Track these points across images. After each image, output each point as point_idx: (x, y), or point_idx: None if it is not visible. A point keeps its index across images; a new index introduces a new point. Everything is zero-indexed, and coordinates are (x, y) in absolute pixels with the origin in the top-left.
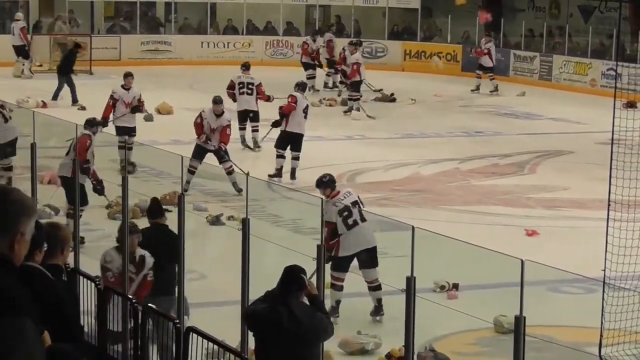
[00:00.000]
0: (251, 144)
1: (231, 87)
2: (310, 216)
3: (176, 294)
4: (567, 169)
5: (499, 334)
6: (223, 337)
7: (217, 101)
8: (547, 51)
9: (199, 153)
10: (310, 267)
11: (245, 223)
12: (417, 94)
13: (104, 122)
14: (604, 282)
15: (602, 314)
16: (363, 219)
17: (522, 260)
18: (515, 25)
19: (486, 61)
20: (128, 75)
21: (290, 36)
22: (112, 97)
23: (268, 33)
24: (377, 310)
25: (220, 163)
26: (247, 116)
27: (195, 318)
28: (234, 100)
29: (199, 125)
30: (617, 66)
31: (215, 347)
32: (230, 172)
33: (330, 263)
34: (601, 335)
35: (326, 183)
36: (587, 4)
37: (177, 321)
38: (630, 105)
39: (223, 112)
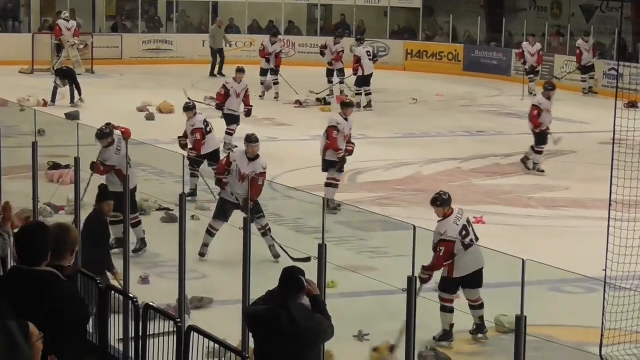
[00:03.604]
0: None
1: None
2: (312, 216)
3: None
4: (569, 168)
5: (500, 333)
6: (224, 337)
7: (252, 139)
8: (548, 51)
9: (224, 210)
10: (312, 267)
11: (246, 222)
12: (419, 93)
13: (219, 106)
14: (605, 282)
15: (603, 314)
16: (477, 238)
17: (523, 260)
18: (517, 24)
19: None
20: (241, 71)
21: (292, 35)
22: (224, 87)
23: (270, 32)
24: (480, 328)
25: (253, 221)
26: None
27: (196, 317)
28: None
29: (221, 167)
30: (619, 66)
31: (217, 346)
32: (265, 233)
33: (439, 284)
34: (602, 335)
35: (446, 201)
36: (589, 3)
37: (179, 320)
38: (632, 105)
39: (258, 155)
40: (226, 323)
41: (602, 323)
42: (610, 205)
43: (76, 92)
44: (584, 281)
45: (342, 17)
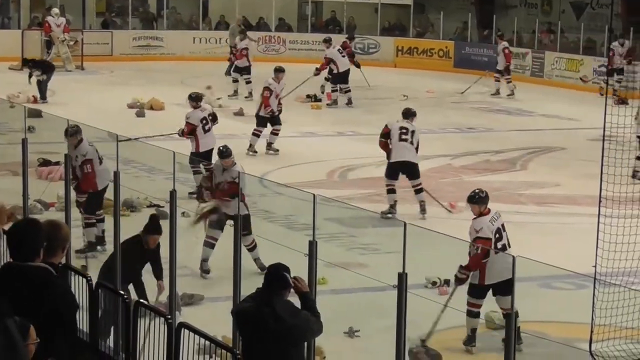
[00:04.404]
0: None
1: None
2: (303, 212)
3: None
4: (559, 165)
5: (490, 329)
6: (215, 333)
7: (223, 154)
8: (539, 48)
9: (219, 219)
10: (302, 264)
11: (237, 219)
12: (409, 90)
13: (271, 112)
14: (594, 278)
15: (593, 310)
16: (509, 245)
17: (513, 257)
18: (507, 21)
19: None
20: (281, 71)
21: (282, 32)
22: (268, 89)
23: (260, 29)
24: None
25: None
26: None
27: (187, 314)
28: None
29: (206, 180)
30: (609, 63)
31: (207, 342)
32: (251, 249)
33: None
34: (592, 331)
35: (482, 199)
36: (579, 0)
37: (169, 317)
38: (622, 101)
39: (234, 163)
40: (217, 320)
41: (592, 319)
42: (600, 201)
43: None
44: (574, 277)
45: (333, 14)
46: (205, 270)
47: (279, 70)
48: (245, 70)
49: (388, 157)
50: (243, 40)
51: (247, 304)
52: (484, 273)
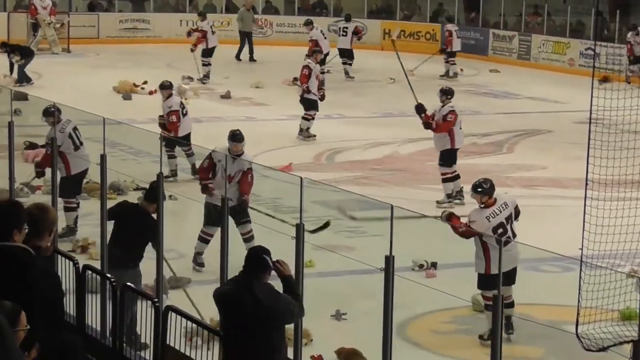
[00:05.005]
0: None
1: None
2: (289, 195)
3: (139, 268)
4: (545, 148)
5: (477, 312)
6: (202, 316)
7: (237, 138)
8: (525, 30)
9: (212, 215)
10: (289, 246)
11: (224, 202)
12: (396, 73)
13: (307, 90)
14: (581, 261)
15: (579, 293)
16: (514, 235)
17: (500, 240)
18: (494, 4)
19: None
20: (319, 52)
21: (269, 15)
22: (307, 67)
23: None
24: (507, 327)
25: (237, 225)
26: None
27: (174, 297)
28: None
29: (202, 171)
30: (595, 46)
31: (194, 325)
32: (248, 239)
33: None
34: (578, 314)
35: (485, 190)
36: None
37: (156, 300)
38: (605, 79)
39: (243, 151)
40: (204, 303)
41: (579, 301)
42: (586, 184)
43: (15, 72)
44: (560, 260)
45: None
46: (199, 264)
47: (317, 52)
48: (207, 53)
49: (452, 143)
50: (204, 20)
51: (227, 286)
52: (489, 264)
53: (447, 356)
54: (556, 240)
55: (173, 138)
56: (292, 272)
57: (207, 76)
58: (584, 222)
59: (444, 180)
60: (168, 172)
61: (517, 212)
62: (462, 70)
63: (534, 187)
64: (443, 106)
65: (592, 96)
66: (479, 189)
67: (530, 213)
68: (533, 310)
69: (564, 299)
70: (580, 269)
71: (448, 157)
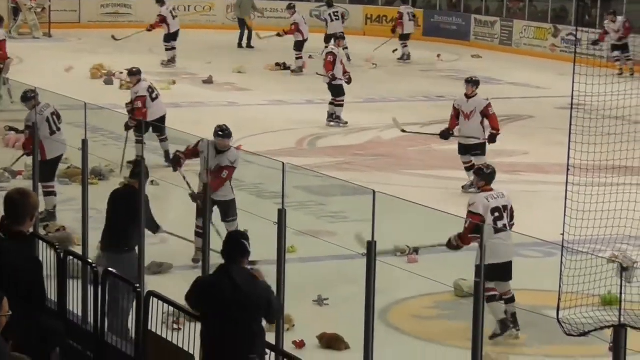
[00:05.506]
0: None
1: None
2: (272, 181)
3: (135, 251)
4: (527, 133)
5: (459, 297)
6: (184, 302)
7: (225, 134)
8: (507, 16)
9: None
10: (271, 232)
11: (206, 188)
12: (378, 59)
13: (333, 77)
14: (562, 246)
15: (561, 278)
16: (510, 227)
17: (482, 225)
18: None
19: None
20: (342, 38)
21: None
22: (332, 54)
23: None
24: (514, 324)
25: (224, 222)
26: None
27: (155, 282)
28: None
29: (187, 150)
30: (577, 31)
31: (176, 311)
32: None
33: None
34: (559, 299)
35: (485, 175)
36: None
37: (137, 285)
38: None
39: (230, 147)
40: (186, 288)
41: (560, 287)
42: (568, 169)
43: None
44: (541, 245)
45: None
46: (195, 260)
47: (340, 37)
48: (170, 37)
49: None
50: (162, 6)
51: (207, 275)
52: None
53: (429, 341)
54: (538, 226)
55: (144, 122)
56: (274, 258)
57: (171, 60)
58: (565, 207)
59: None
60: (134, 156)
61: (512, 213)
62: (439, 56)
63: (516, 172)
64: (471, 97)
65: (573, 82)
66: (479, 173)
67: (512, 198)
68: (515, 296)
69: (545, 284)
70: (562, 254)
71: (485, 147)
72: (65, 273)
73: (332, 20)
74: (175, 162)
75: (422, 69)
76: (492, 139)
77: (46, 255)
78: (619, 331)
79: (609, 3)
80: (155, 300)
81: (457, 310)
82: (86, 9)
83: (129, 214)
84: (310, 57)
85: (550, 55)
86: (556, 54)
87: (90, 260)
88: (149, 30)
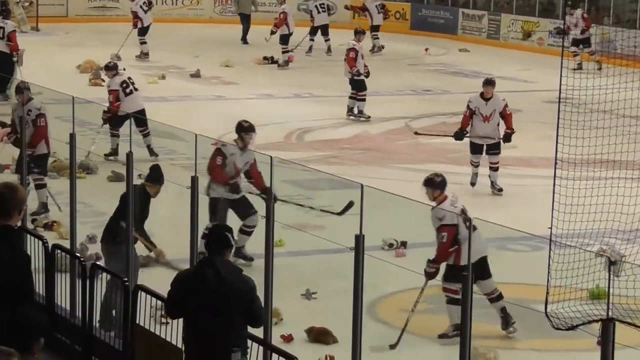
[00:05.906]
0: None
1: None
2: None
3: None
4: (515, 127)
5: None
6: None
7: (251, 129)
8: (495, 10)
9: (217, 210)
10: (259, 226)
11: (194, 181)
12: (366, 52)
13: (358, 72)
14: (550, 240)
15: (549, 272)
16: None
17: (469, 219)
18: None
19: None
20: (362, 33)
21: None
22: (354, 49)
23: None
24: (506, 320)
25: (244, 218)
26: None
27: (143, 276)
28: None
29: (218, 168)
30: (564, 24)
31: (164, 304)
32: (246, 233)
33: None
34: (547, 293)
35: (437, 184)
36: None
37: (126, 279)
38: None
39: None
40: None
41: (548, 280)
42: (555, 163)
43: None
44: (529, 239)
45: None
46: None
47: (360, 32)
48: (143, 31)
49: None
50: (132, 1)
51: (187, 269)
52: (459, 254)
53: (417, 335)
54: (525, 219)
55: (116, 116)
56: (262, 251)
57: (146, 54)
58: (553, 201)
59: (497, 170)
60: (109, 150)
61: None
62: (427, 49)
63: (504, 166)
64: (490, 99)
65: (561, 75)
66: (430, 184)
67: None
68: (502, 289)
69: (533, 278)
70: (550, 248)
71: (500, 146)
72: (54, 267)
73: (318, 12)
74: (236, 189)
75: (410, 63)
76: (508, 138)
77: (34, 249)
78: (607, 325)
79: None
80: (143, 294)
81: (444, 304)
82: (74, 3)
83: (140, 212)
84: (291, 50)
85: (538, 49)
86: (543, 48)
87: (78, 255)
88: (134, 27)
